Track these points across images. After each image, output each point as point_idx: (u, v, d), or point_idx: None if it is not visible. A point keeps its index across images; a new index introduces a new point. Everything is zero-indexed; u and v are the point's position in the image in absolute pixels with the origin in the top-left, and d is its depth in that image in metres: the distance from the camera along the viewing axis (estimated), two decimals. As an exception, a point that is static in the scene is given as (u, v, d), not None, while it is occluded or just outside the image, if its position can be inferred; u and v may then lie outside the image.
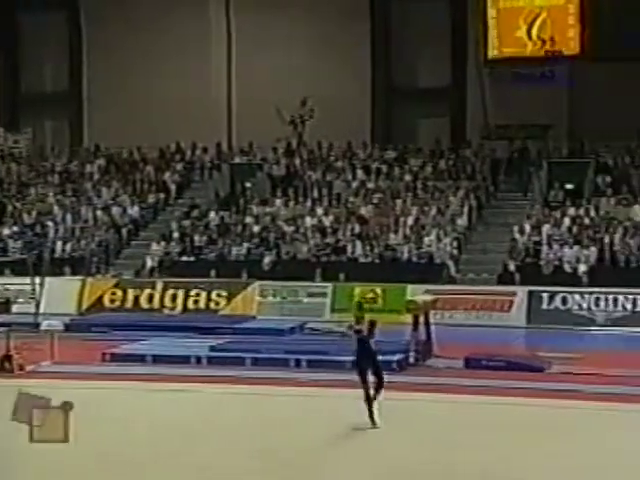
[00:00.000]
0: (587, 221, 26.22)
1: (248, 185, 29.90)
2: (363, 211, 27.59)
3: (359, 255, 26.26)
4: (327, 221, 27.48)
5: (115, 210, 29.17)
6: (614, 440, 12.09)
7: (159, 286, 25.51)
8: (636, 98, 28.70)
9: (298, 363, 17.27)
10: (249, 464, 10.98)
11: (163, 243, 27.61)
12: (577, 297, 23.45)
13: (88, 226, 28.66)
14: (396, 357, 17.09)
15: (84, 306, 25.47)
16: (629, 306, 23.12)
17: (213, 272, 26.08)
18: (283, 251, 26.71)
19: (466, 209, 27.25)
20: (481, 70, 29.63)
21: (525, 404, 14.31)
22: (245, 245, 27.10)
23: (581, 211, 26.64)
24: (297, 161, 30.29)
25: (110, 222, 28.79)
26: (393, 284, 24.12)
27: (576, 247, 25.28)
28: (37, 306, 23.43)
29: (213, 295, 25.11)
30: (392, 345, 18.11)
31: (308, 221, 27.53)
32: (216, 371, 16.65)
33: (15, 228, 28.70)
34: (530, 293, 23.72)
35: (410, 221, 26.90)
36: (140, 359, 17.81)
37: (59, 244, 28.00)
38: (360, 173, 29.34)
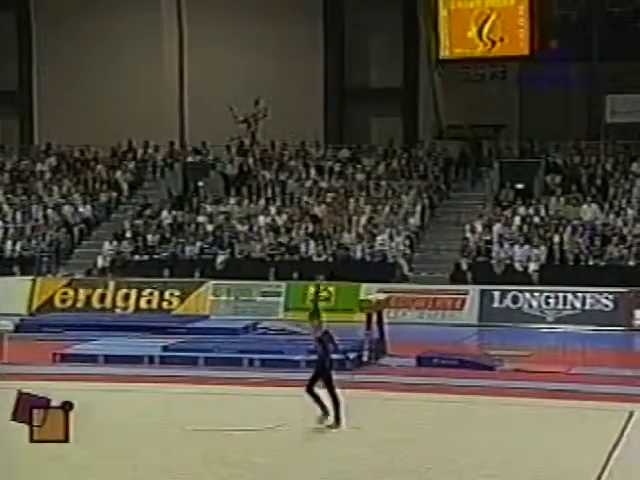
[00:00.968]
0: (537, 220, 26.53)
1: (201, 184, 29.80)
2: (316, 210, 27.66)
3: (312, 254, 26.33)
4: (280, 220, 27.50)
5: (66, 209, 28.91)
6: (565, 437, 12.26)
7: (111, 286, 25.34)
8: (585, 98, 29.13)
9: (252, 362, 17.28)
10: (201, 465, 10.97)
11: (115, 242, 27.44)
12: (528, 296, 23.72)
13: (39, 225, 28.38)
14: (350, 355, 17.15)
15: (35, 306, 25.23)
16: (578, 304, 23.43)
17: (166, 271, 25.98)
18: (237, 250, 26.69)
19: (419, 208, 27.43)
20: (433, 70, 29.83)
21: (476, 402, 14.47)
22: (198, 244, 27.02)
23: (531, 210, 26.94)
24: (250, 160, 30.26)
25: (61, 221, 28.54)
26: (346, 283, 24.21)
27: (526, 246, 25.56)
28: (-14, 306, 23.16)
29: (166, 294, 25.01)
30: (345, 344, 18.21)
31: (262, 220, 27.53)
32: (169, 371, 16.59)
33: (-36, 227, 28.35)
34: (482, 292, 23.95)
35: (363, 220, 27.01)
36: (92, 359, 17.70)
37: (9, 243, 27.70)
38: (313, 172, 29.41)
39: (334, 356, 12.96)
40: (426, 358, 17.47)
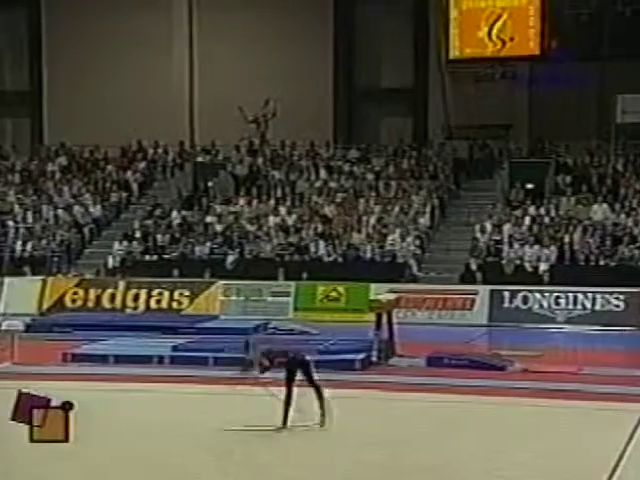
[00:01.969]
0: (547, 220, 26.48)
1: (211, 184, 29.84)
2: (326, 210, 27.65)
3: (322, 254, 26.32)
4: (290, 220, 27.51)
5: (77, 209, 28.98)
6: (576, 437, 12.23)
7: (121, 285, 25.37)
8: (596, 98, 29.06)
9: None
10: (211, 464, 10.98)
11: (125, 242, 27.48)
12: (538, 296, 23.67)
13: (49, 225, 28.45)
14: (359, 356, 17.16)
15: (45, 306, 25.27)
16: (589, 304, 23.37)
17: (176, 271, 26.00)
18: (246, 250, 26.70)
19: (429, 208, 27.40)
20: (443, 70, 29.80)
21: (486, 402, 14.43)
22: (208, 244, 27.05)
23: (541, 210, 26.89)
24: (260, 160, 30.28)
25: (72, 221, 28.60)
26: (356, 283, 24.20)
27: (537, 246, 25.51)
28: (-3, 306, 23.25)
29: (176, 294, 25.03)
30: (355, 344, 18.22)
31: (271, 220, 27.54)
32: (179, 371, 16.60)
33: (-25, 227, 28.43)
34: (492, 292, 23.90)
35: (373, 220, 27.00)
36: (102, 359, 17.71)
37: (19, 243, 27.77)
38: (323, 172, 29.41)
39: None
40: (436, 358, 17.42)
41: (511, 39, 28.37)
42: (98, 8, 32.03)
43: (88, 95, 32.03)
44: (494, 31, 28.42)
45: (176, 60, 32.11)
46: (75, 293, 25.45)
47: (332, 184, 28.88)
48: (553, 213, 26.75)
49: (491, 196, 28.21)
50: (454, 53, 28.92)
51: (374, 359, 17.45)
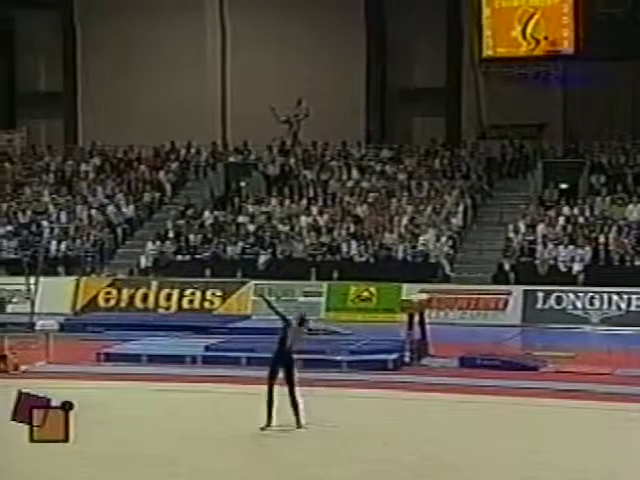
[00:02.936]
0: (582, 220, 26.27)
1: (243, 184, 29.90)
2: (358, 210, 27.61)
3: (354, 254, 26.28)
4: (322, 220, 27.49)
5: (110, 209, 29.15)
6: (608, 439, 12.13)
7: (154, 285, 25.49)
8: (630, 97, 28.79)
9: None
10: (245, 465, 11.00)
11: (158, 242, 27.60)
12: (572, 296, 23.49)
13: (83, 225, 28.64)
14: (391, 356, 17.12)
15: (79, 306, 25.44)
16: (623, 305, 23.17)
17: (208, 271, 26.07)
18: (278, 250, 26.72)
19: (461, 208, 27.28)
20: (476, 70, 29.67)
21: (519, 403, 14.35)
22: (240, 244, 27.09)
23: (576, 210, 26.68)
24: (292, 160, 30.29)
25: (105, 221, 28.77)
26: (388, 283, 24.15)
27: (571, 246, 25.31)
28: (32, 306, 23.39)
29: (208, 294, 25.11)
30: (387, 344, 18.18)
31: (303, 220, 27.54)
32: (211, 371, 16.65)
33: (10, 227, 28.66)
34: (525, 292, 23.76)
35: (405, 220, 26.92)
36: (135, 359, 17.79)
37: (54, 243, 27.98)
38: (355, 172, 29.37)
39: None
40: (468, 359, 17.36)
41: (545, 38, 28.19)
42: (131, 11, 32.21)
43: (121, 96, 32.21)
44: (528, 30, 28.25)
45: (208, 60, 32.21)
46: (108, 293, 25.60)
47: (364, 184, 28.83)
48: (588, 213, 26.53)
49: (524, 196, 28.03)
50: (487, 52, 28.79)
51: (407, 359, 17.42)
